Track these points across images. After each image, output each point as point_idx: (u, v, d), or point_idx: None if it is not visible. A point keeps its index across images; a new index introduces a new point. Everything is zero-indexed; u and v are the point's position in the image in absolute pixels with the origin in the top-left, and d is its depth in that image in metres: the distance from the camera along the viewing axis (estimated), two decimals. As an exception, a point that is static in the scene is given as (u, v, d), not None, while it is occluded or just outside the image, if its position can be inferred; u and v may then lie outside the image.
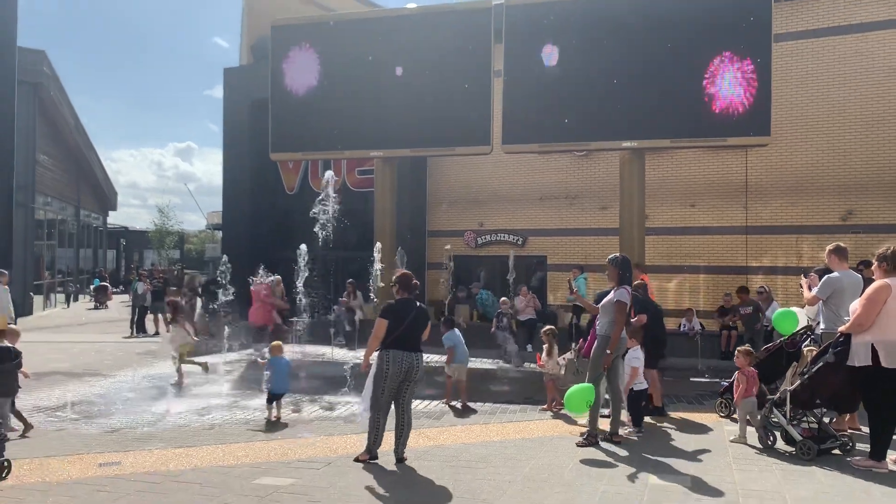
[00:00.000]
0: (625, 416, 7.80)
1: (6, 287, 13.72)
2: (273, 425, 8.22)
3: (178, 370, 11.29)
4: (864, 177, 15.73)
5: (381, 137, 15.72)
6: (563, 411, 8.65)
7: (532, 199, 18.75)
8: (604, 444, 7.11)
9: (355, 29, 15.95)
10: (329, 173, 14.94)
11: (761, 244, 16.61)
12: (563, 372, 9.19)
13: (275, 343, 9.22)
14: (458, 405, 9.46)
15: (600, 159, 17.70)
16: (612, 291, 7.47)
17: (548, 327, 9.95)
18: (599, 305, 7.63)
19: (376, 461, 6.40)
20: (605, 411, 7.61)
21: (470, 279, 19.24)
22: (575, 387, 7.29)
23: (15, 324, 11.99)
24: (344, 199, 21.03)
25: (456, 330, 10.04)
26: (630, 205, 14.43)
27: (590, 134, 14.22)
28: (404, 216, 18.38)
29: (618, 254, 7.84)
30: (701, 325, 15.22)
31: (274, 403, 8.54)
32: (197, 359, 11.99)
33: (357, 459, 6.42)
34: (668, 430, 7.87)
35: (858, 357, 6.28)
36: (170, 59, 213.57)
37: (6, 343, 7.28)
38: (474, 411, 9.20)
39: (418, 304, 6.73)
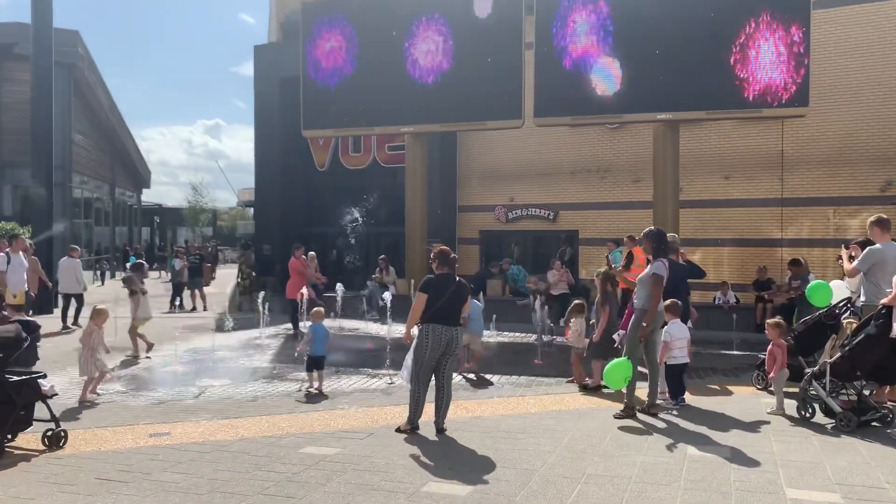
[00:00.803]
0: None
1: (78, 260, 15.16)
2: (314, 397, 8.40)
3: (144, 340, 11.33)
4: (905, 146, 15.41)
5: (412, 113, 15.75)
6: (590, 385, 8.75)
7: (563, 173, 18.67)
8: (641, 417, 7.17)
9: (384, 4, 15.92)
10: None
11: (797, 216, 16.39)
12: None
13: (315, 309, 9.42)
14: (473, 376, 9.57)
15: (632, 131, 17.53)
16: (649, 265, 7.49)
17: (576, 302, 9.94)
18: (636, 279, 7.66)
19: (417, 431, 6.54)
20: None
21: (501, 254, 19.28)
22: (614, 361, 7.34)
23: (86, 290, 12.50)
24: (374, 175, 21.22)
25: (474, 301, 10.05)
26: (664, 177, 14.33)
27: (623, 106, 14.09)
28: (435, 191, 18.45)
29: (652, 227, 7.84)
30: (736, 297, 15.13)
31: (316, 374, 8.70)
32: (146, 348, 11.43)
33: (399, 430, 6.56)
34: (705, 403, 7.90)
35: (894, 328, 6.25)
36: (196, 37, 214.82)
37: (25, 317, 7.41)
38: (491, 383, 9.33)
39: (458, 278, 6.82)
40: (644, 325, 7.26)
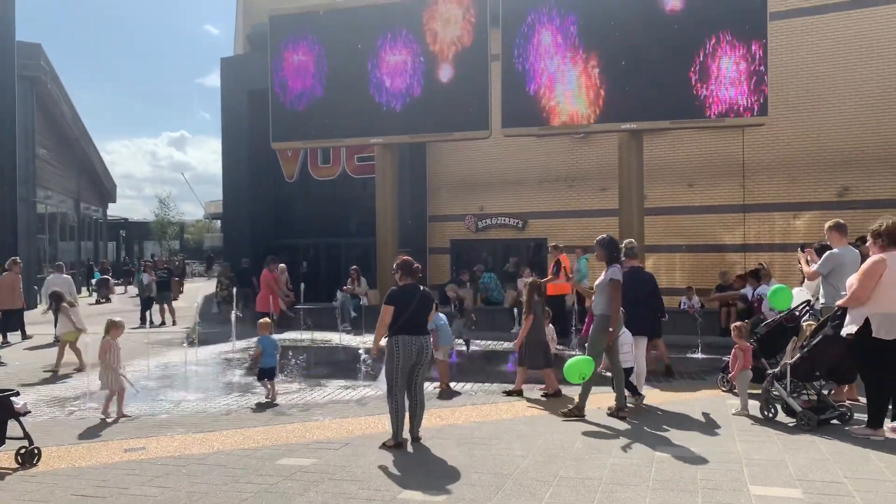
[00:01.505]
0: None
1: (67, 276, 15.26)
2: (278, 408, 8.39)
3: (79, 357, 11.20)
4: (861, 153, 15.92)
5: (381, 124, 15.87)
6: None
7: (532, 183, 18.94)
8: (609, 420, 7.35)
9: (351, 17, 16.04)
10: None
11: (758, 222, 16.82)
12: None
13: (261, 321, 9.39)
14: (443, 386, 9.62)
15: (598, 141, 17.86)
16: (604, 272, 7.67)
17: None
18: (594, 286, 7.84)
19: (401, 445, 6.52)
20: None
21: (472, 263, 19.44)
22: (575, 358, 7.50)
23: (76, 304, 12.33)
24: (344, 186, 21.29)
25: (440, 313, 10.03)
26: (629, 186, 14.62)
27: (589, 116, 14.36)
28: (405, 202, 18.56)
29: (604, 235, 7.90)
30: (701, 302, 15.44)
31: (268, 382, 8.86)
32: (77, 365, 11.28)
33: (385, 446, 6.48)
34: (672, 405, 8.11)
35: (849, 328, 6.49)
36: (161, 49, 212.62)
37: None
38: (458, 393, 9.26)
39: (421, 287, 6.89)
40: (611, 329, 7.44)
